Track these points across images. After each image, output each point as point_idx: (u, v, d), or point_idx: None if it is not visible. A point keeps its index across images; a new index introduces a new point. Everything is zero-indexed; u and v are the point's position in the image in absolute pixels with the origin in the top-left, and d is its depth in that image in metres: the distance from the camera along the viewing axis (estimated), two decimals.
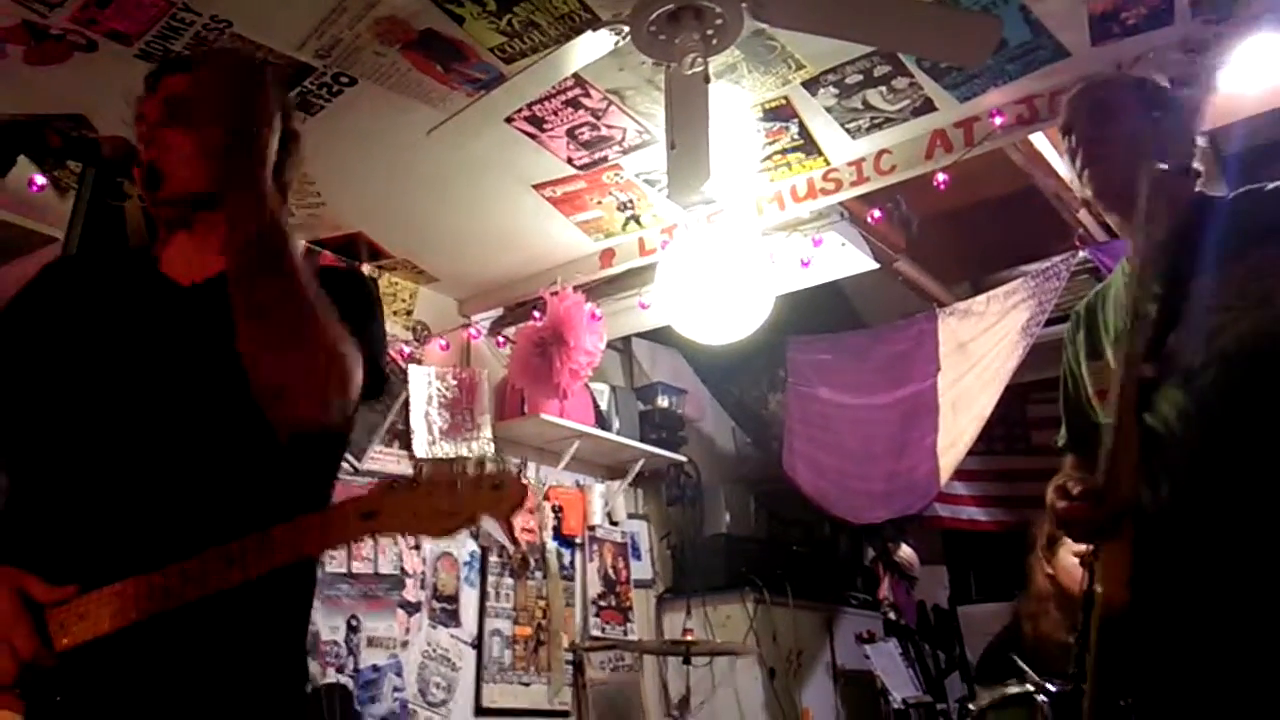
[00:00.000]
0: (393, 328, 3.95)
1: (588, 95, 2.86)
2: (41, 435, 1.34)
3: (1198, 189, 1.78)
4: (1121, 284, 1.83)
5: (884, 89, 2.90)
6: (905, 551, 5.07)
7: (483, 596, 3.96)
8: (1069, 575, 3.02)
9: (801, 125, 3.06)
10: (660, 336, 4.81)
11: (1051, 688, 2.67)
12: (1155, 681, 1.65)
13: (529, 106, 2.87)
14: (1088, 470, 1.87)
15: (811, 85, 2.89)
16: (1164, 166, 1.65)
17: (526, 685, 4.00)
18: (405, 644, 3.63)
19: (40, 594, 1.21)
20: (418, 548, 3.77)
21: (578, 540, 4.43)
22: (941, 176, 3.13)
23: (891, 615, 4.79)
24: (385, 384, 1.47)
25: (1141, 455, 1.60)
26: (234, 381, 1.29)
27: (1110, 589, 1.59)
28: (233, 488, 1.31)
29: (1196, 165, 1.78)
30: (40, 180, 2.81)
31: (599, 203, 3.45)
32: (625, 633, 4.48)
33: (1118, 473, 1.61)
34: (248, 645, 1.31)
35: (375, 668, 3.50)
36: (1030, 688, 2.70)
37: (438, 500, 1.15)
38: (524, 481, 1.19)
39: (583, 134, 3.05)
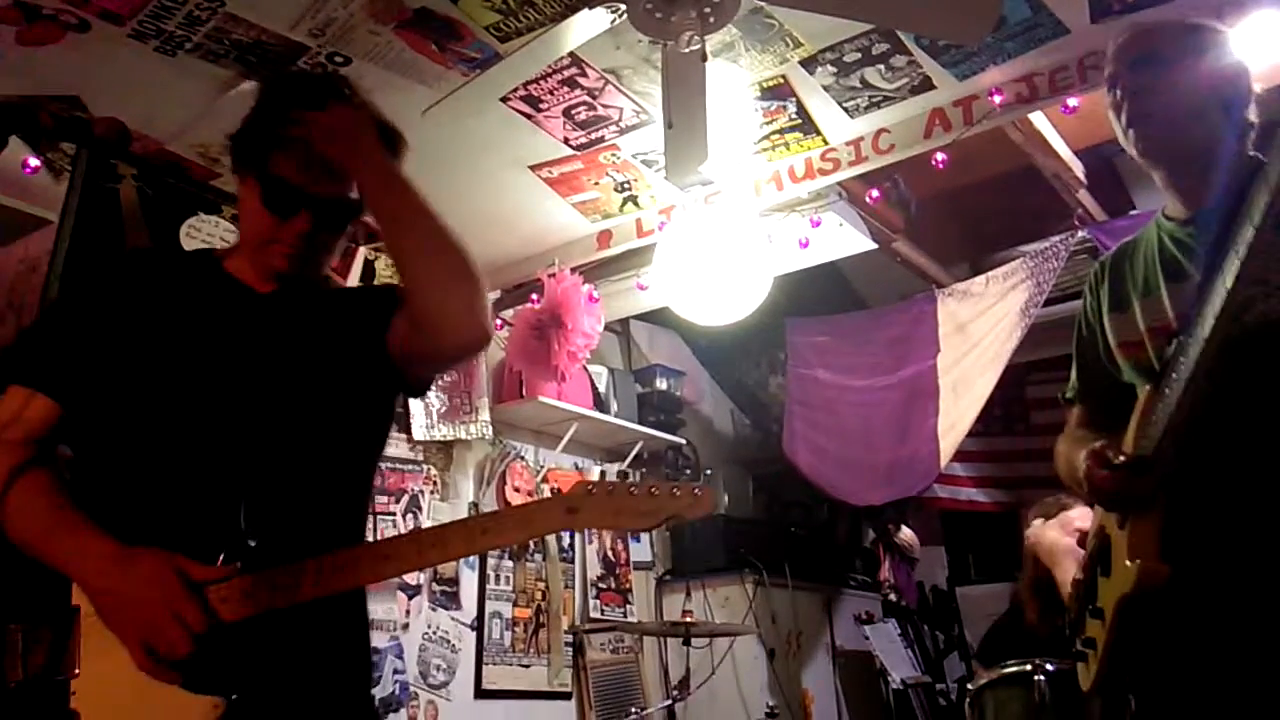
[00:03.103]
0: None
1: (584, 74, 2.85)
2: (131, 427, 1.39)
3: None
4: (1157, 239, 1.76)
5: (882, 67, 2.88)
6: (906, 533, 5.08)
7: (482, 579, 3.97)
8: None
9: (799, 104, 3.04)
10: (658, 318, 4.81)
11: (1050, 666, 2.68)
12: (1180, 657, 1.62)
13: (525, 86, 2.85)
14: (1097, 423, 1.83)
15: (809, 64, 2.87)
16: None
17: (527, 667, 4.02)
18: (406, 626, 3.64)
19: (198, 572, 1.27)
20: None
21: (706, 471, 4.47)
22: (940, 156, 3.12)
23: (891, 596, 4.80)
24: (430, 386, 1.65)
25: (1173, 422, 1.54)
26: (327, 370, 1.45)
27: (1146, 562, 1.54)
28: (335, 459, 1.45)
29: (1252, 117, 1.66)
30: (34, 162, 2.79)
31: (596, 183, 3.43)
32: (625, 614, 4.50)
33: (1164, 442, 1.55)
34: (359, 622, 1.49)
35: (376, 650, 3.49)
36: (1029, 667, 2.71)
37: (639, 503, 1.30)
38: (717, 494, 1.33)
39: (579, 114, 3.03)
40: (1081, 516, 3.08)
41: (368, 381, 1.50)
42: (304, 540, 1.34)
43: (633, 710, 3.93)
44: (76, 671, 1.24)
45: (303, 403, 1.43)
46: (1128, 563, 1.58)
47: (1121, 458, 1.62)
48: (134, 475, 1.38)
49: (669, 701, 3.77)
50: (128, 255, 1.64)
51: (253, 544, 1.31)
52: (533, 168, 3.32)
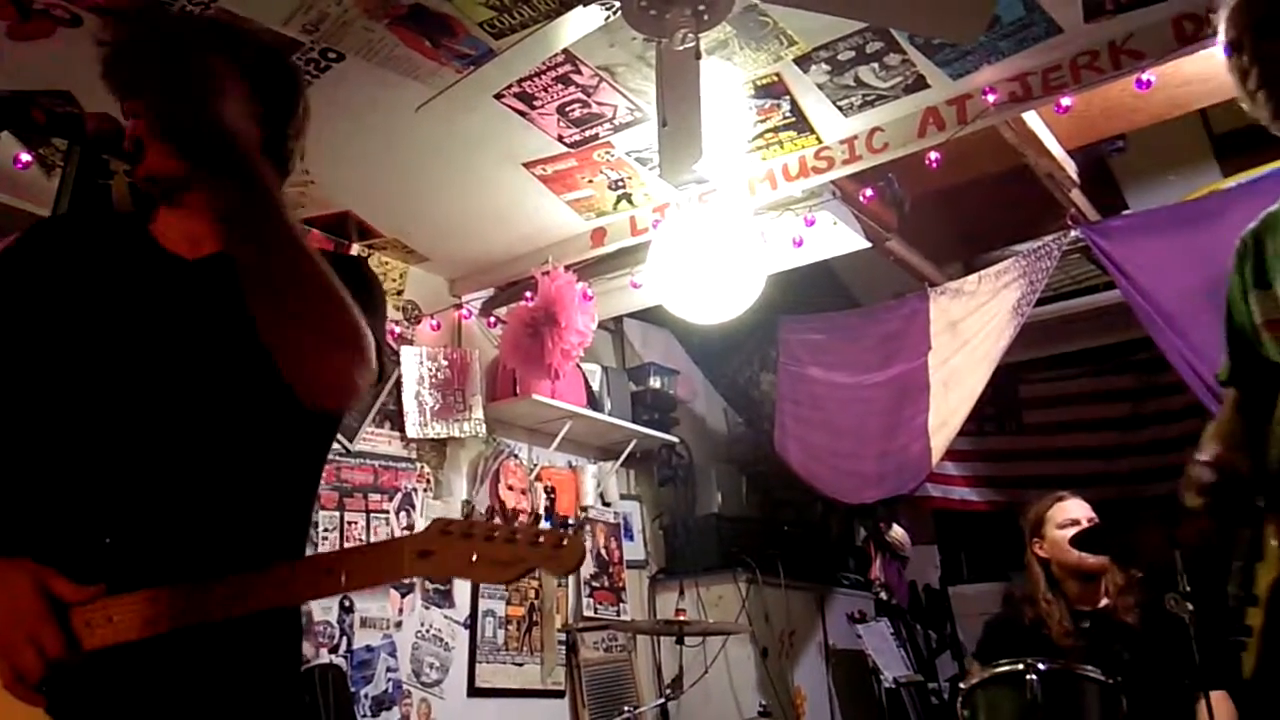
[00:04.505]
0: None
1: (578, 71, 2.84)
2: (43, 408, 1.29)
3: None
4: None
5: (876, 66, 2.88)
6: (897, 531, 5.08)
7: None
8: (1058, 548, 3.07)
9: (793, 102, 3.04)
10: (652, 316, 4.80)
11: (1041, 666, 2.68)
12: None
13: (519, 83, 2.85)
14: (1249, 406, 1.79)
15: (803, 62, 2.87)
16: None
17: (520, 665, 4.01)
18: (399, 624, 3.63)
19: (66, 592, 1.19)
20: (410, 528, 3.76)
21: (570, 521, 4.43)
22: (933, 155, 3.12)
23: (883, 595, 4.81)
24: (381, 374, 1.43)
25: None
26: (247, 358, 1.28)
27: None
28: (243, 465, 1.32)
29: None
30: (25, 157, 2.78)
31: (590, 181, 3.43)
32: (618, 613, 4.49)
33: None
34: (259, 645, 1.31)
35: (369, 648, 3.50)
36: (1020, 666, 2.71)
37: (496, 550, 1.16)
38: (583, 542, 1.21)
39: (573, 111, 3.02)
40: (1078, 507, 3.12)
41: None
42: (199, 548, 1.24)
43: (626, 709, 3.93)
44: None
45: (200, 390, 1.30)
46: (1274, 542, 1.56)
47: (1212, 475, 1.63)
48: (19, 465, 1.28)
49: (662, 700, 3.77)
50: (40, 226, 1.48)
51: (108, 540, 1.22)
52: (526, 165, 3.32)
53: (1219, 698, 2.57)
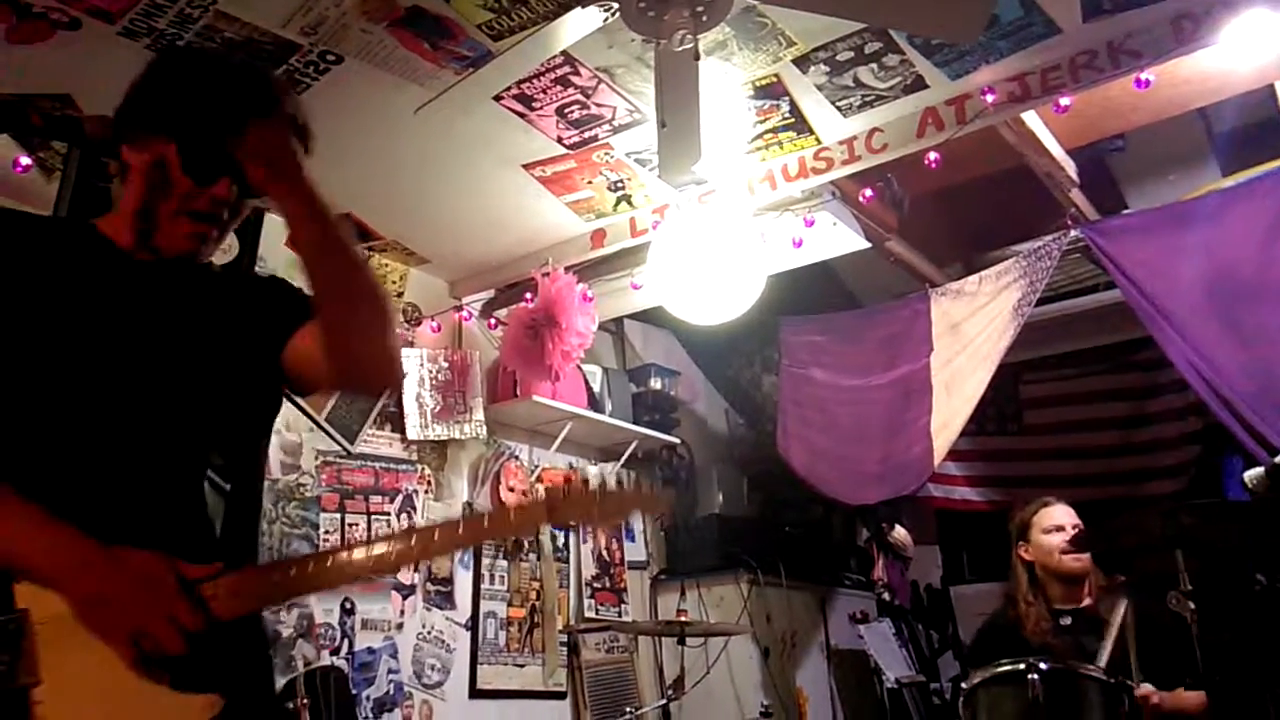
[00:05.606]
0: None
1: (577, 73, 2.84)
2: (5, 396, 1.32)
3: None
4: None
5: (875, 66, 2.89)
6: (899, 532, 5.07)
7: (477, 579, 3.96)
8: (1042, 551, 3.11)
9: (792, 103, 3.04)
10: (652, 317, 4.80)
11: (1043, 665, 2.68)
12: None
13: (518, 84, 2.85)
14: None
15: (802, 63, 2.87)
16: None
17: (521, 666, 4.01)
18: (400, 626, 3.63)
19: (190, 570, 1.27)
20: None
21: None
22: (933, 155, 3.12)
23: (885, 595, 4.80)
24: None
25: None
26: (202, 348, 1.40)
27: None
28: (203, 451, 1.39)
29: None
30: (25, 161, 2.78)
31: (590, 182, 3.43)
32: (620, 614, 4.50)
33: None
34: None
35: (370, 650, 3.50)
36: (1022, 665, 2.71)
37: (608, 503, 1.46)
38: (672, 493, 1.47)
39: (572, 112, 3.03)
40: (1064, 513, 3.15)
41: (252, 371, 1.46)
42: (180, 527, 1.32)
43: (627, 710, 3.91)
44: (38, 679, 1.18)
45: (187, 380, 1.37)
46: None
47: None
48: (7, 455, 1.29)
49: (664, 701, 3.76)
50: None
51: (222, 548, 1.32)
52: (526, 166, 3.32)
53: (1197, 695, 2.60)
